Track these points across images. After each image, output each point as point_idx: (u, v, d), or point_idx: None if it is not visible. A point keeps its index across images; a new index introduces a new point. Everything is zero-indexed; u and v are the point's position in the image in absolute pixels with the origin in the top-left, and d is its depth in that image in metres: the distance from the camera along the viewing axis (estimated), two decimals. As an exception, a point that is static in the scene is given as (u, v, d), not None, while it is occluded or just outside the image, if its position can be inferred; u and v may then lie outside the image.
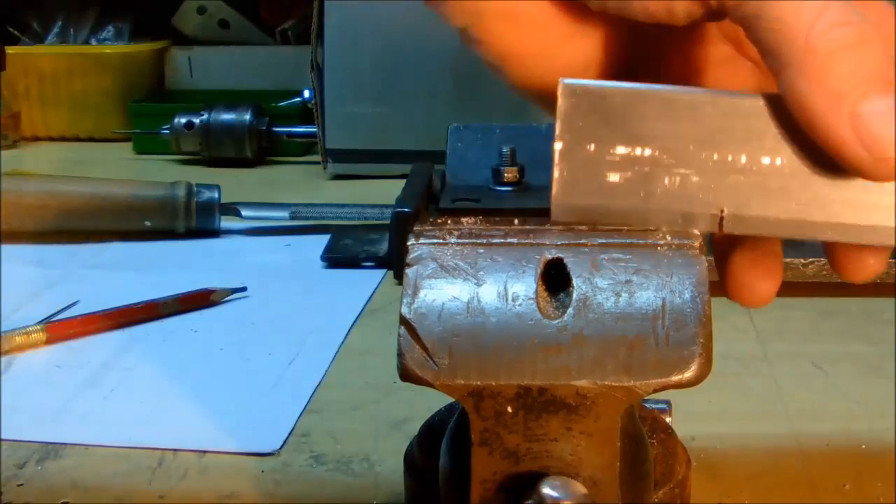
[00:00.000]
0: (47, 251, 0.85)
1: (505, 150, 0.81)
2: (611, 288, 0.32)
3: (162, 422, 0.56)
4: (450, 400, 0.33)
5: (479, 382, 0.31)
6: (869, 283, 0.69)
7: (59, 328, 0.67)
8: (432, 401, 0.38)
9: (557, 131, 0.34)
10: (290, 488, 0.50)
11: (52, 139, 1.25)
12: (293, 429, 0.55)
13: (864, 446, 0.53)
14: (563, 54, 0.38)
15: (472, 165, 0.83)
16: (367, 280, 0.78)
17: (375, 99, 1.04)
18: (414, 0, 0.37)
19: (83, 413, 0.58)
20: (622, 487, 0.32)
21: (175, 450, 0.53)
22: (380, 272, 0.79)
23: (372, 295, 0.75)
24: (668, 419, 0.43)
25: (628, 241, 0.33)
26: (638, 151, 0.33)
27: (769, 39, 0.32)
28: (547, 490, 0.31)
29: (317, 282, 0.79)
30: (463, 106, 0.99)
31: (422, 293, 0.32)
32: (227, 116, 1.12)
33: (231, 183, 0.94)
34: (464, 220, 0.35)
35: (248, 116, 1.11)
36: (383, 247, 0.81)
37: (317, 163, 1.09)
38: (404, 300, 0.32)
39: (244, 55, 1.27)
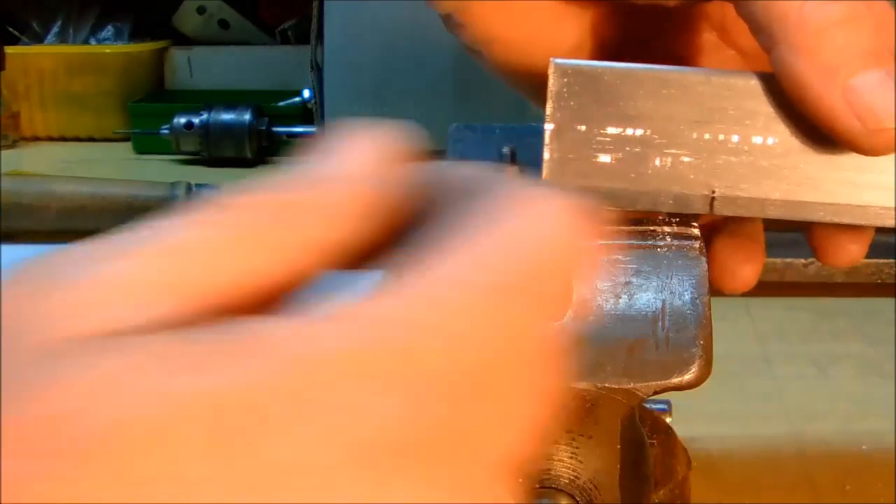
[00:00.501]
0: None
1: (505, 150, 0.80)
2: (610, 289, 0.32)
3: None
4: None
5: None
6: (869, 283, 0.69)
7: (59, 328, 0.67)
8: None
9: (548, 112, 0.34)
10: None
11: (52, 139, 1.25)
12: (293, 429, 0.55)
13: (864, 446, 0.53)
14: (550, 38, 0.37)
15: (471, 165, 0.83)
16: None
17: (375, 99, 1.04)
18: (413, -1, 0.37)
19: (83, 413, 0.58)
20: (622, 489, 0.32)
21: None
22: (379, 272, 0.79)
23: (372, 295, 0.75)
24: (668, 420, 0.43)
25: (628, 242, 0.33)
26: (629, 132, 0.33)
27: (761, 16, 0.32)
28: None
29: (317, 282, 0.78)
30: (463, 106, 0.99)
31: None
32: (227, 116, 1.12)
33: (231, 183, 0.94)
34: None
35: (247, 116, 1.11)
36: (383, 247, 0.81)
37: (317, 163, 1.09)
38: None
39: (244, 55, 1.27)
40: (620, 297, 0.32)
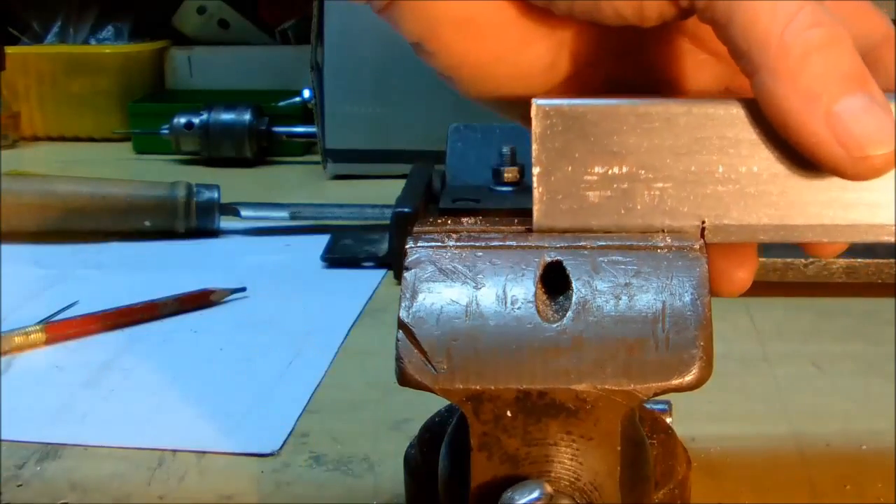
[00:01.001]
0: (47, 251, 0.85)
1: (505, 150, 0.81)
2: (610, 290, 0.32)
3: (161, 422, 0.56)
4: (449, 401, 0.33)
5: (477, 386, 0.31)
6: (869, 283, 0.69)
7: (59, 328, 0.67)
8: (432, 401, 0.38)
9: (534, 154, 0.34)
10: (289, 489, 0.50)
11: (52, 139, 1.25)
12: (293, 429, 0.55)
13: (864, 446, 0.52)
14: (523, 59, 0.37)
15: (472, 165, 0.83)
16: (367, 280, 0.77)
17: (375, 99, 1.04)
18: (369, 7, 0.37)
19: (83, 413, 0.58)
20: (623, 490, 0.32)
21: (174, 450, 0.53)
22: (380, 272, 0.79)
23: (372, 295, 0.75)
24: (668, 419, 0.43)
25: (628, 243, 0.33)
26: (615, 169, 0.34)
27: (741, 42, 0.32)
28: (510, 494, 0.30)
29: (317, 282, 0.79)
30: (463, 106, 0.99)
31: (420, 297, 0.32)
32: (227, 116, 1.11)
33: (231, 183, 0.94)
34: (464, 220, 0.35)
35: (247, 116, 1.11)
36: (383, 247, 0.81)
37: (317, 163, 1.09)
38: (402, 304, 0.32)
39: (244, 55, 1.27)
40: (620, 298, 0.32)
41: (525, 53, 0.37)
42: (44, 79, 1.23)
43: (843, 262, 0.69)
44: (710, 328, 0.32)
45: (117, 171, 1.04)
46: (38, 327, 0.66)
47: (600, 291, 0.32)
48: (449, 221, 0.35)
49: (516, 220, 0.35)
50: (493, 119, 0.87)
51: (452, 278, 0.33)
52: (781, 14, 0.31)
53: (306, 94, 1.15)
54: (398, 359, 0.32)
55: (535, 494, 0.30)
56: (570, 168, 0.34)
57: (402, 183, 0.82)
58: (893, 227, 0.33)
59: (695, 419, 0.50)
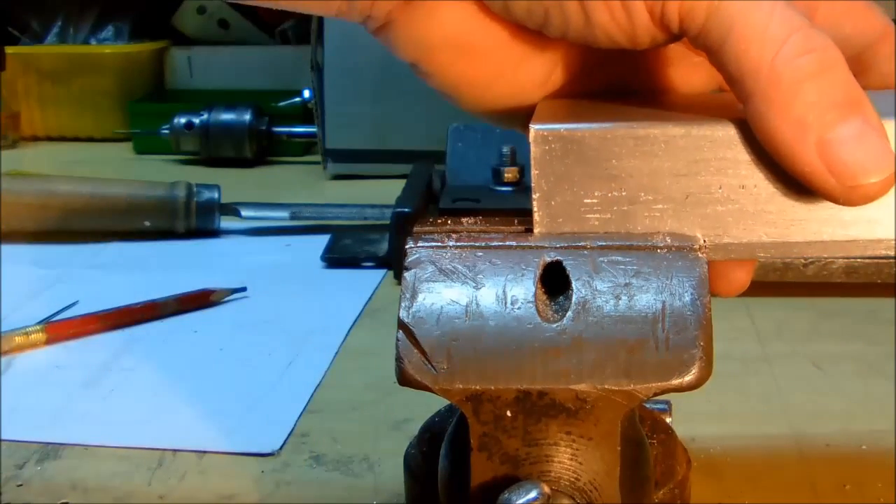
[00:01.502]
0: (47, 251, 0.85)
1: (505, 150, 0.81)
2: (610, 291, 0.32)
3: (162, 422, 0.56)
4: (449, 401, 0.33)
5: (477, 387, 0.31)
6: (869, 283, 0.69)
7: (59, 328, 0.67)
8: (432, 401, 0.38)
9: (533, 179, 0.34)
10: (289, 489, 0.50)
11: (51, 139, 1.25)
12: (293, 429, 0.55)
13: (864, 446, 0.53)
14: (519, 77, 0.37)
15: (472, 165, 0.83)
16: (367, 280, 0.77)
17: (375, 99, 1.04)
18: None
19: (83, 413, 0.58)
20: (622, 491, 0.32)
21: (175, 450, 0.53)
22: (380, 272, 0.79)
23: (372, 295, 0.75)
24: (668, 419, 0.43)
25: (628, 243, 0.33)
26: (615, 192, 0.34)
27: (734, 70, 0.32)
28: (507, 495, 0.30)
29: (317, 282, 0.79)
30: (463, 105, 0.99)
31: (420, 297, 0.32)
32: (227, 116, 1.11)
33: (231, 183, 0.94)
34: (464, 220, 0.35)
35: (247, 116, 1.11)
36: (383, 247, 0.81)
37: (317, 163, 1.09)
38: (402, 304, 0.32)
39: (244, 55, 1.27)
40: (620, 298, 0.32)
41: (520, 72, 0.37)
42: (44, 79, 1.23)
43: (843, 262, 0.69)
44: (710, 328, 0.32)
45: (117, 171, 1.04)
46: (38, 327, 0.66)
47: (600, 291, 0.32)
48: (449, 221, 0.35)
49: (516, 220, 0.35)
50: (493, 119, 0.88)
51: (452, 278, 0.33)
52: (771, 41, 0.31)
53: (306, 94, 1.15)
54: (398, 359, 0.32)
55: (533, 495, 0.30)
56: (569, 192, 0.34)
57: (402, 183, 0.82)
58: (893, 242, 0.34)
59: (695, 419, 0.50)
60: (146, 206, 0.87)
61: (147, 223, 0.87)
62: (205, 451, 0.53)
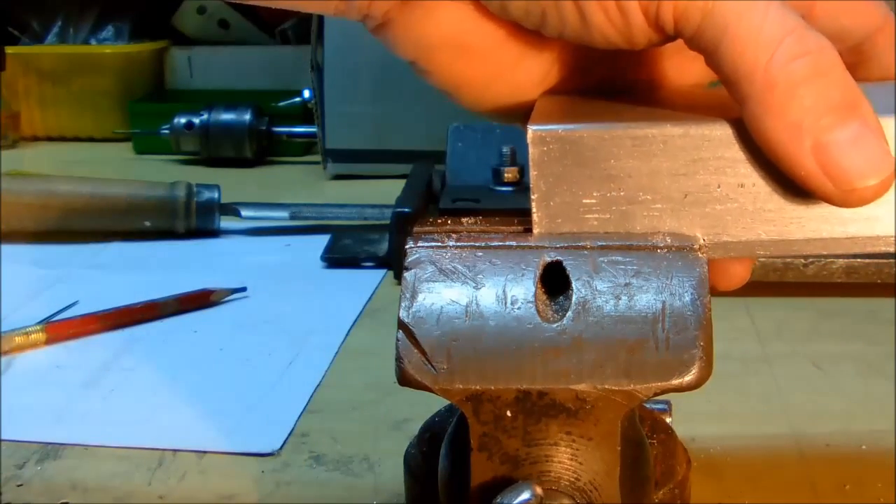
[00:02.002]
0: (47, 251, 0.85)
1: (505, 150, 0.81)
2: (610, 291, 0.32)
3: (162, 422, 0.56)
4: (449, 401, 0.33)
5: (477, 387, 0.31)
6: (869, 283, 0.69)
7: (59, 328, 0.67)
8: (432, 401, 0.38)
9: (532, 180, 0.34)
10: (289, 489, 0.50)
11: (51, 139, 1.25)
12: (293, 429, 0.55)
13: (864, 446, 0.52)
14: (517, 75, 0.38)
15: (472, 165, 0.83)
16: (367, 280, 0.77)
17: (375, 99, 1.04)
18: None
19: (83, 413, 0.58)
20: (622, 491, 0.32)
21: (175, 450, 0.53)
22: (380, 272, 0.79)
23: (372, 295, 0.75)
24: (668, 419, 0.43)
25: (628, 243, 0.33)
26: (614, 192, 0.34)
27: (729, 73, 0.32)
28: (500, 500, 0.30)
29: (317, 282, 0.79)
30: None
31: (420, 297, 0.32)
32: (227, 116, 1.11)
33: (231, 183, 0.94)
34: (464, 220, 0.35)
35: (247, 116, 1.11)
36: (383, 247, 0.81)
37: (317, 163, 1.09)
38: (402, 304, 0.32)
39: (244, 55, 1.27)
40: (620, 298, 0.32)
41: (519, 70, 0.38)
42: (44, 79, 1.23)
43: (843, 262, 0.69)
44: (710, 328, 0.32)
45: (117, 171, 1.04)
46: (38, 327, 0.66)
47: (600, 291, 0.32)
48: (449, 221, 0.35)
49: (516, 221, 0.35)
50: (493, 119, 0.88)
51: (452, 278, 0.33)
52: (765, 45, 0.31)
53: (306, 94, 1.15)
54: (398, 359, 0.32)
55: (526, 496, 0.30)
56: (568, 192, 0.34)
57: (402, 183, 0.82)
58: (892, 238, 0.34)
59: (695, 419, 0.50)
60: (146, 206, 0.87)
61: (147, 223, 0.87)
62: (205, 451, 0.53)
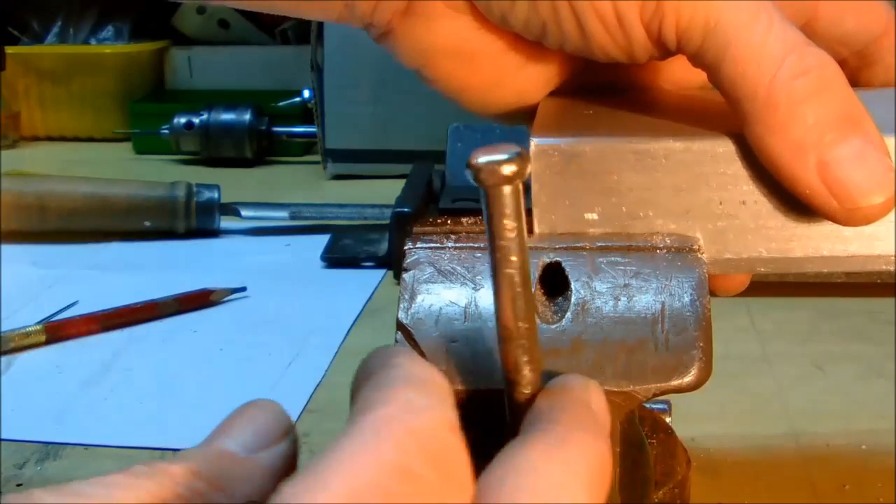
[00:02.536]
0: (47, 251, 0.85)
1: (505, 149, 0.81)
2: (609, 292, 0.32)
3: (162, 422, 0.56)
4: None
5: (476, 388, 0.31)
6: (869, 283, 0.69)
7: (59, 328, 0.67)
8: (431, 403, 0.38)
9: (533, 192, 0.34)
10: (289, 490, 0.50)
11: (52, 139, 1.25)
12: (293, 430, 0.55)
13: (864, 446, 0.52)
14: (520, 80, 0.38)
15: (472, 165, 0.83)
16: (367, 280, 0.77)
17: (375, 99, 1.04)
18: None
19: (83, 413, 0.58)
20: (622, 492, 0.32)
21: (175, 450, 0.53)
22: (380, 272, 0.79)
23: (372, 295, 0.75)
24: (667, 419, 0.43)
25: (627, 244, 0.33)
26: (615, 207, 0.33)
27: (731, 92, 0.32)
28: (475, 161, 0.25)
29: (317, 282, 0.79)
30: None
31: (419, 298, 0.32)
32: (227, 116, 1.11)
33: (231, 183, 0.94)
34: (463, 220, 0.35)
35: (247, 116, 1.11)
36: (383, 247, 0.81)
37: (317, 163, 1.09)
38: (401, 305, 0.32)
39: (244, 55, 1.27)
40: (620, 299, 0.32)
41: (521, 76, 0.38)
42: (44, 79, 1.23)
43: (843, 262, 0.69)
44: (710, 329, 0.31)
45: (117, 171, 1.04)
46: (38, 327, 0.66)
47: (599, 292, 0.32)
48: (448, 221, 0.35)
49: None
50: (493, 119, 0.88)
51: (451, 279, 0.33)
52: (767, 63, 0.31)
53: (306, 94, 1.15)
54: (398, 360, 0.31)
55: (505, 156, 0.24)
56: (569, 206, 0.34)
57: (402, 183, 0.82)
58: (893, 258, 0.33)
59: (695, 419, 0.50)
60: (146, 206, 0.87)
61: (147, 223, 0.87)
62: (205, 452, 0.53)
